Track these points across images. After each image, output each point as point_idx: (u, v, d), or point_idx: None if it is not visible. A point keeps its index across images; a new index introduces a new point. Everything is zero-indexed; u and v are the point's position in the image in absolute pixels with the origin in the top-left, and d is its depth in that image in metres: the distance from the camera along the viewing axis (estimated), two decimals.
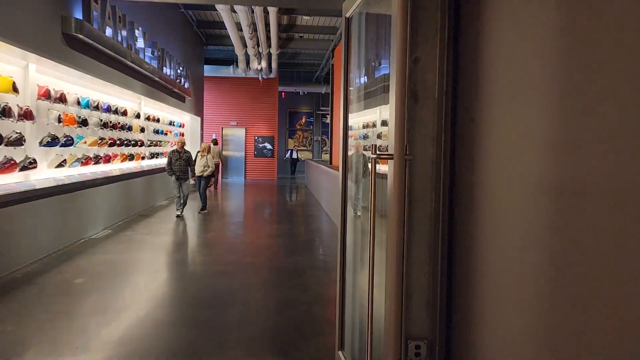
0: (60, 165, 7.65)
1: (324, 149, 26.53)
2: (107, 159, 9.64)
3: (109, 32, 8.00)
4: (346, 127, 3.02)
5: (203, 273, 5.90)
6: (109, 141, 9.69)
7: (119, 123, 10.18)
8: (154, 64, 11.07)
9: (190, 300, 4.82)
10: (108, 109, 9.56)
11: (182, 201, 10.07)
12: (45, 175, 7.23)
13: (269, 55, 18.16)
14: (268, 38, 16.40)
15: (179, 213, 10.00)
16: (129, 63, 9.05)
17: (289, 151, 25.16)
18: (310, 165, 17.87)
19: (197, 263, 6.44)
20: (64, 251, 6.69)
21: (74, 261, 6.18)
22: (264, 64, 18.20)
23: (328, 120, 25.49)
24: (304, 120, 26.39)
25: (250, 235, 8.60)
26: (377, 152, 1.98)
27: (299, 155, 25.22)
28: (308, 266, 6.38)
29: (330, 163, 15.76)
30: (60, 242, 6.89)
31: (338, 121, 13.40)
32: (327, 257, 6.98)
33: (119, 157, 10.29)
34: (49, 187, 6.63)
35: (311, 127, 26.44)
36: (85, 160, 8.62)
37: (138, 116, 11.50)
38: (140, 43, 9.85)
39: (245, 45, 16.65)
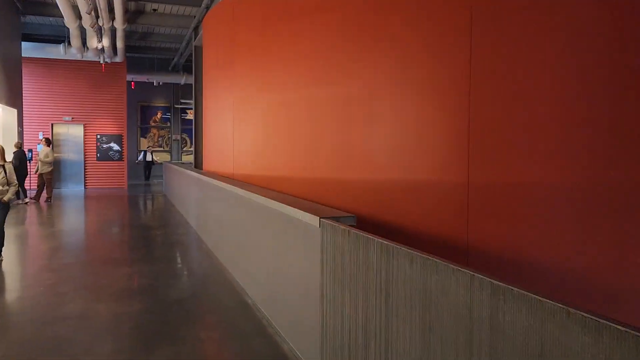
0: None
1: (184, 149, 23.00)
2: None
3: None
4: None
5: None
6: None
7: None
8: None
9: None
10: None
11: None
12: None
13: (113, 31, 14.31)
14: (111, 9, 12.68)
15: None
16: None
17: (142, 153, 21.20)
18: (171, 170, 14.45)
19: None
20: None
21: None
22: (106, 42, 14.29)
23: (190, 116, 22.03)
24: (159, 115, 22.52)
25: (81, 297, 5.25)
26: None
27: (154, 157, 21.37)
28: None
29: (197, 167, 12.65)
30: None
31: (209, 115, 10.30)
32: (229, 340, 4.16)
33: None
34: None
35: (169, 123, 22.69)
36: None
37: None
38: None
39: (79, 17, 12.66)
